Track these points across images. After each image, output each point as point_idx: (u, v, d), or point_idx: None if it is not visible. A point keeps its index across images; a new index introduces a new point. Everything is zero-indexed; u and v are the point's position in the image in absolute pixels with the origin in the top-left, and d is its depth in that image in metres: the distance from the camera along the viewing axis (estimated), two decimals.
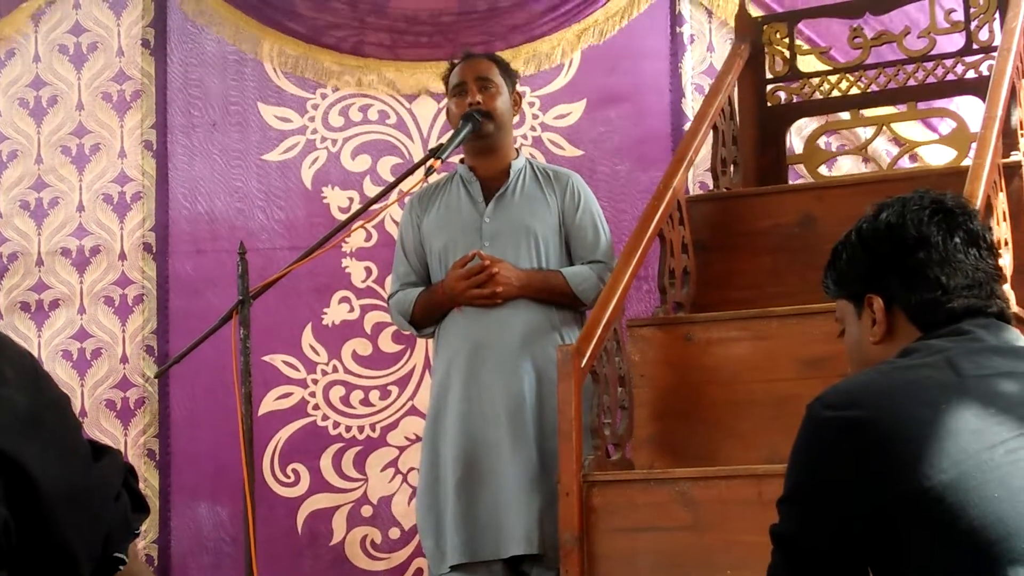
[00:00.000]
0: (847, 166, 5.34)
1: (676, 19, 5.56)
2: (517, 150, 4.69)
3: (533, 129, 5.60)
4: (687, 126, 5.27)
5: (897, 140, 5.25)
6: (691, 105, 5.46)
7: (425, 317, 4.52)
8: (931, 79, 4.94)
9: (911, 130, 5.25)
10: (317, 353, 5.54)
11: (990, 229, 2.28)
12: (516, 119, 4.82)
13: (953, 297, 2.19)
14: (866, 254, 2.28)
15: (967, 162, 4.45)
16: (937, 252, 2.21)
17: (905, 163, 5.26)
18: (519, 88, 4.80)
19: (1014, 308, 3.96)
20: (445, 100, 4.66)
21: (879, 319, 2.26)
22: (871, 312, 2.27)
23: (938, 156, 5.18)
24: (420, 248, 4.58)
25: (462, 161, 4.62)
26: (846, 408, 2.06)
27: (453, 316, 4.46)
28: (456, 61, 4.64)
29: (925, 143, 5.22)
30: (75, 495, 1.80)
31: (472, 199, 4.53)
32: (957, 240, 2.21)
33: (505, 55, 5.19)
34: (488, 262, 4.37)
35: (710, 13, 5.56)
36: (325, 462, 5.50)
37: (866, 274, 2.28)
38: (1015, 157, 4.35)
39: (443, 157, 4.33)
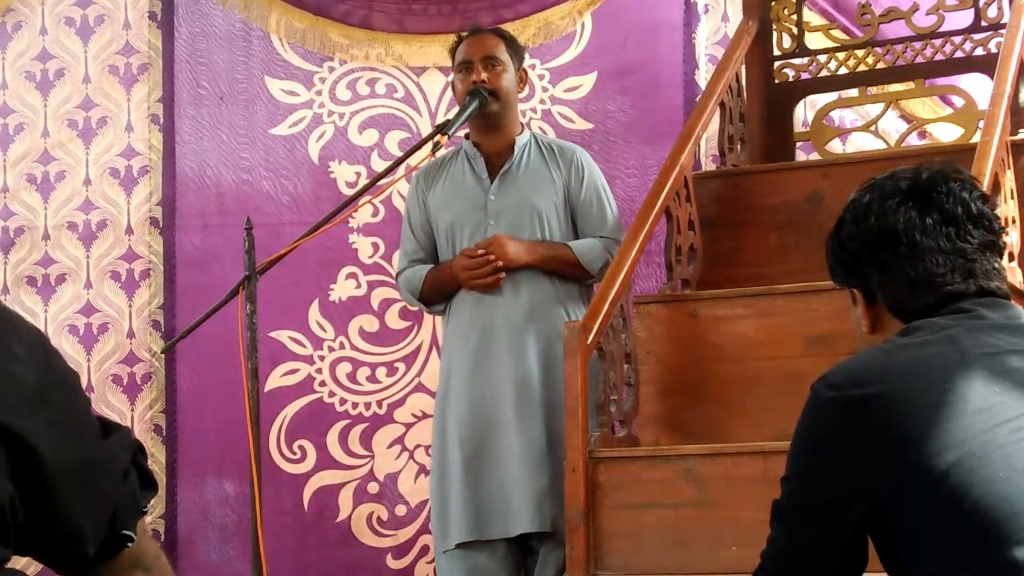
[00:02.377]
0: (859, 142, 5.34)
1: None
2: (523, 125, 4.71)
3: (543, 102, 5.58)
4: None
5: (906, 116, 5.26)
6: (704, 77, 5.40)
7: (434, 295, 4.55)
8: (939, 56, 4.93)
9: (921, 107, 5.26)
10: (324, 329, 5.55)
11: (982, 196, 2.25)
12: (523, 94, 4.82)
13: (928, 287, 2.18)
14: (842, 249, 2.28)
15: (975, 139, 4.46)
16: (904, 245, 2.18)
17: (915, 139, 5.27)
18: (527, 62, 4.82)
19: (1020, 285, 3.99)
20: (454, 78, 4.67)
21: (862, 312, 2.27)
22: (858, 304, 2.28)
23: (948, 132, 5.19)
24: (427, 224, 4.61)
25: (467, 136, 4.63)
26: (848, 387, 2.08)
27: (462, 295, 4.49)
28: (463, 35, 4.65)
29: (933, 120, 5.23)
30: (82, 471, 1.82)
31: (477, 176, 4.56)
32: (929, 222, 2.18)
33: (514, 26, 5.20)
34: (492, 256, 4.39)
35: None
36: (331, 439, 5.50)
37: (846, 269, 2.28)
38: (1023, 135, 4.35)
39: (450, 133, 4.36)
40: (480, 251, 4.43)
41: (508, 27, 5.12)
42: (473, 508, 4.36)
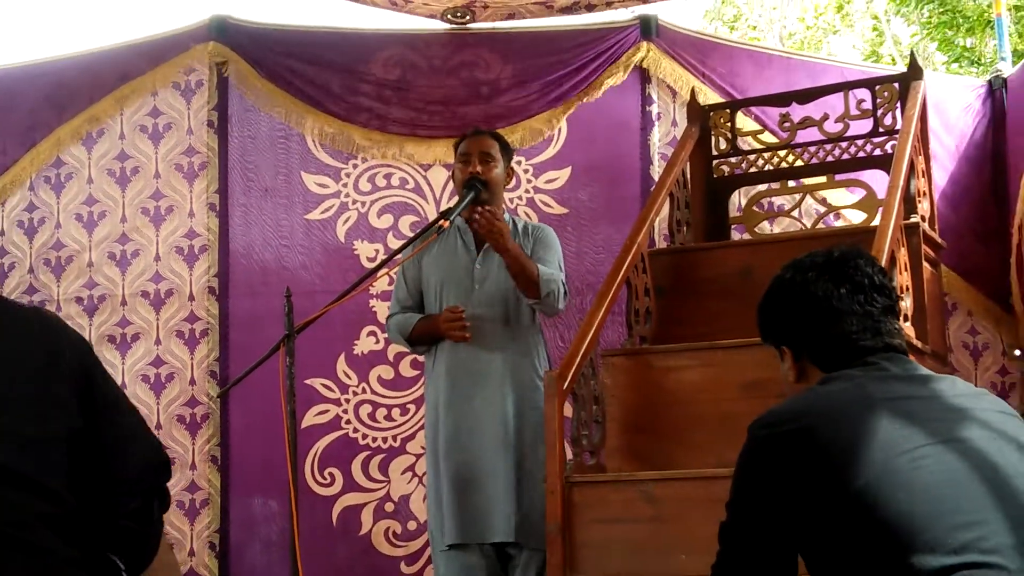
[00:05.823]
0: (784, 223, 5.36)
1: (646, 100, 5.58)
2: (506, 209, 4.71)
3: (527, 191, 5.60)
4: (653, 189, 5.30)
5: (823, 202, 5.28)
6: (657, 171, 5.44)
7: (421, 338, 4.53)
8: (845, 156, 4.97)
9: (833, 195, 5.28)
10: (349, 377, 5.53)
11: (882, 270, 2.28)
12: (510, 185, 4.82)
13: (844, 344, 2.20)
14: (771, 315, 2.31)
15: (876, 223, 4.47)
16: (823, 310, 2.22)
17: (830, 220, 5.29)
18: (515, 161, 4.82)
19: (914, 341, 4.01)
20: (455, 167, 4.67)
21: (789, 365, 2.29)
22: (786, 359, 2.30)
23: (856, 216, 5.21)
24: (418, 280, 4.60)
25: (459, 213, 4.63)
26: (778, 425, 2.08)
27: (445, 343, 4.47)
28: (467, 134, 4.67)
29: (843, 207, 5.25)
30: (125, 411, 1.78)
31: (466, 247, 4.56)
32: (843, 291, 2.22)
33: (504, 131, 5.22)
34: (486, 215, 4.35)
35: (674, 94, 5.56)
36: (355, 467, 5.47)
37: (775, 331, 2.30)
38: (913, 219, 4.37)
39: (451, 219, 4.35)
40: (460, 309, 4.41)
41: (500, 131, 5.15)
42: (460, 519, 4.35)
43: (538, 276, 4.38)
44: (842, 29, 16.75)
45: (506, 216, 4.61)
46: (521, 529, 4.30)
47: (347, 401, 5.52)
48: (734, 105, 5.25)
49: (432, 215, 5.44)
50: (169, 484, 1.96)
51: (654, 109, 5.58)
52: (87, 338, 5.57)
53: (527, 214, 5.50)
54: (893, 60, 14.78)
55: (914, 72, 4.84)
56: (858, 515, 1.95)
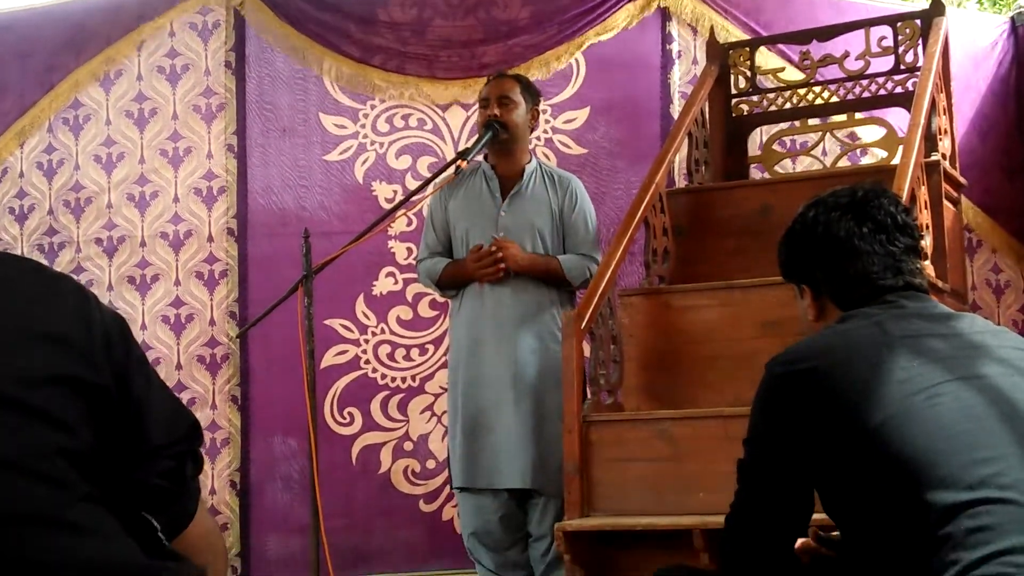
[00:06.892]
0: (805, 162, 5.33)
1: (666, 37, 5.52)
2: (531, 154, 4.69)
3: (545, 132, 5.57)
4: None
5: (844, 139, 5.23)
6: (678, 110, 5.38)
7: (450, 282, 4.55)
8: (866, 94, 4.92)
9: (854, 133, 5.24)
10: (368, 318, 5.54)
11: (906, 209, 2.26)
12: (535, 131, 4.79)
13: (865, 283, 2.20)
14: (792, 253, 2.30)
15: (896, 161, 4.44)
16: (844, 250, 2.21)
17: (853, 157, 5.25)
18: (542, 105, 4.80)
19: (934, 280, 3.99)
20: (473, 109, 4.66)
21: (809, 303, 2.28)
22: (805, 297, 2.29)
23: (877, 154, 5.17)
24: (446, 225, 4.61)
25: (486, 158, 4.62)
26: (796, 363, 2.08)
27: (472, 289, 4.48)
28: (490, 77, 4.64)
29: (864, 145, 5.21)
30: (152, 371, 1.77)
31: (491, 193, 4.55)
32: (865, 230, 2.21)
33: (519, 69, 5.18)
34: (496, 247, 4.39)
35: (695, 31, 5.51)
36: (374, 406, 5.50)
37: (795, 269, 2.29)
38: (934, 157, 4.34)
39: (468, 158, 4.35)
40: (486, 248, 4.42)
41: (516, 69, 5.12)
42: (468, 464, 4.41)
43: (563, 270, 4.47)
44: None
45: (532, 162, 4.61)
46: (536, 476, 4.32)
47: (366, 341, 5.54)
48: (753, 43, 5.20)
49: (450, 156, 5.42)
50: None
51: (675, 47, 5.53)
52: (107, 279, 5.64)
53: (546, 155, 5.47)
54: None
55: (936, 8, 4.79)
56: (875, 452, 1.95)
